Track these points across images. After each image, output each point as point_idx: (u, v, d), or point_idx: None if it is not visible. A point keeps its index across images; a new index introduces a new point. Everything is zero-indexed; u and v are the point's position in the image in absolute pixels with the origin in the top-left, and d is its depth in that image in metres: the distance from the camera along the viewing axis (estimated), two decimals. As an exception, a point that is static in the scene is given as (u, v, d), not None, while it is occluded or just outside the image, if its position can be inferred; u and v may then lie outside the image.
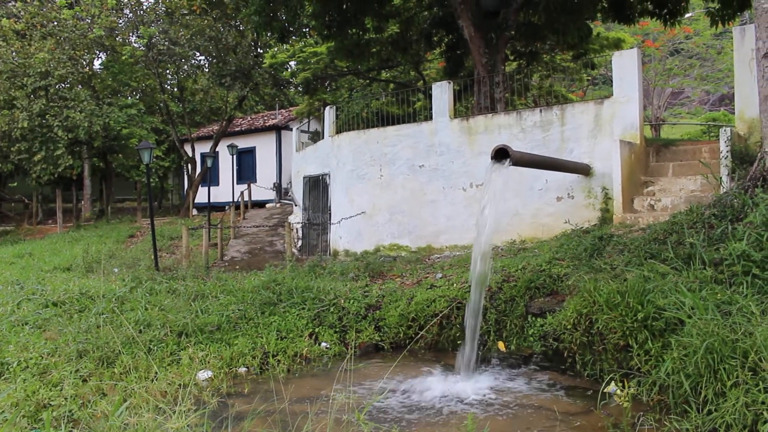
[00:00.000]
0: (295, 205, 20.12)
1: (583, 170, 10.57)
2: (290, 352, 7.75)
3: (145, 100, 30.61)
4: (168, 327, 7.76)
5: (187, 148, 29.19)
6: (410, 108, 19.98)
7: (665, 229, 7.46)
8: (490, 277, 8.16)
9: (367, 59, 20.26)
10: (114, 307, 8.31)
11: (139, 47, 25.55)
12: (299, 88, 28.83)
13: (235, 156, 21.40)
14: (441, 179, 12.86)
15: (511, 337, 7.69)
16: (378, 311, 8.88)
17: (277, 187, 28.74)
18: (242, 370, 7.25)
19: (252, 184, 27.62)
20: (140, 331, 7.63)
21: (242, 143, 28.90)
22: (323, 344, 8.26)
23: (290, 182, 22.60)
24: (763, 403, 4.35)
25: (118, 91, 28.84)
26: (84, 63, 25.80)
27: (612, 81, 10.97)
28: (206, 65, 27.88)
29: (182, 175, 32.94)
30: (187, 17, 24.77)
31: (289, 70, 29.63)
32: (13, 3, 27.77)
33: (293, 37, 18.23)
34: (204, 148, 29.23)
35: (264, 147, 30.05)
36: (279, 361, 7.49)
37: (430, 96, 13.64)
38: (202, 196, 27.48)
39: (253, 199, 27.13)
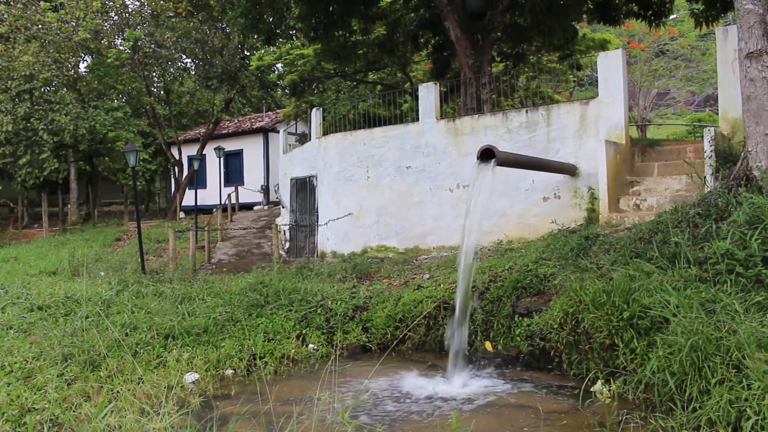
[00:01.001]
0: (283, 207, 20.08)
1: (569, 170, 10.61)
2: (277, 354, 7.74)
3: (131, 103, 30.43)
4: (154, 330, 7.72)
5: (174, 151, 29.05)
6: (397, 110, 20.02)
7: (651, 228, 7.50)
8: (477, 278, 8.18)
9: (353, 61, 20.26)
10: (100, 311, 8.25)
11: (125, 50, 25.39)
12: (286, 91, 28.81)
13: (222, 158, 21.34)
14: (428, 180, 12.87)
15: (498, 337, 7.71)
16: (365, 312, 8.88)
17: (265, 190, 28.67)
18: (229, 372, 7.22)
19: (239, 187, 27.54)
20: (126, 334, 7.59)
21: (229, 146, 28.82)
22: (310, 346, 8.24)
23: (277, 184, 22.54)
24: (746, 399, 4.38)
25: (104, 94, 28.66)
26: (69, 66, 25.60)
27: (597, 82, 11.03)
28: (192, 68, 27.76)
29: (169, 179, 32.80)
30: (173, 20, 24.67)
31: (275, 72, 29.56)
32: (-3, 6, 27.57)
33: (280, 39, 18.23)
34: (191, 150, 29.12)
35: (251, 149, 29.97)
36: (266, 362, 7.47)
37: (417, 97, 13.65)
38: (189, 199, 27.38)
39: (240, 201, 27.04)
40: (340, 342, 8.36)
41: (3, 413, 5.40)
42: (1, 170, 26.21)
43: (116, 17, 25.93)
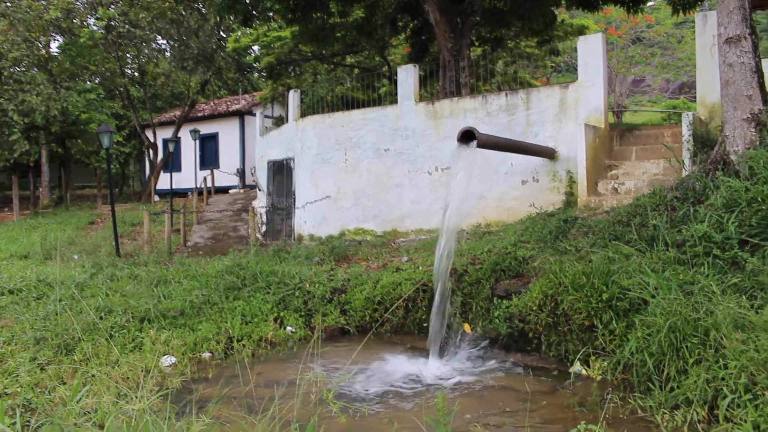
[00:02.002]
0: (259, 190, 19.90)
1: (548, 154, 10.62)
2: (255, 337, 7.66)
3: (105, 85, 29.85)
4: (130, 313, 7.61)
5: (149, 134, 28.62)
6: (375, 93, 19.88)
7: (629, 211, 7.54)
8: (456, 260, 8.16)
9: (331, 44, 20.05)
10: (73, 294, 8.10)
11: (98, 30, 24.86)
12: (263, 73, 28.45)
13: (197, 141, 21.08)
14: (406, 163, 12.82)
15: (476, 320, 7.72)
16: (344, 295, 8.84)
17: (241, 173, 28.41)
18: (206, 355, 7.14)
19: (215, 170, 27.24)
20: (101, 318, 7.46)
21: (205, 129, 28.47)
22: (288, 328, 8.18)
23: (254, 167, 22.34)
24: (723, 379, 4.43)
25: (77, 75, 28.03)
26: (40, 45, 25.03)
27: (576, 68, 11.03)
28: (168, 49, 27.31)
29: (143, 162, 32.37)
30: (148, -1, 24.21)
31: (252, 54, 29.20)
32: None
33: (257, 21, 17.90)
34: (166, 133, 28.73)
35: (227, 132, 29.64)
36: (244, 345, 7.39)
37: (395, 81, 13.55)
38: (164, 182, 27.04)
39: (216, 185, 26.76)
40: (318, 325, 8.30)
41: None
42: (-30, 153, 25.64)
43: (89, -4, 25.41)
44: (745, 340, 4.51)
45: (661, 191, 7.58)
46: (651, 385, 4.97)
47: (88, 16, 25.70)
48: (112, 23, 23.95)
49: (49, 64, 25.89)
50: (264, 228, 17.48)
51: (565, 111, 10.78)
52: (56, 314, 7.29)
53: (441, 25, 14.48)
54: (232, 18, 17.18)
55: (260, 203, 18.61)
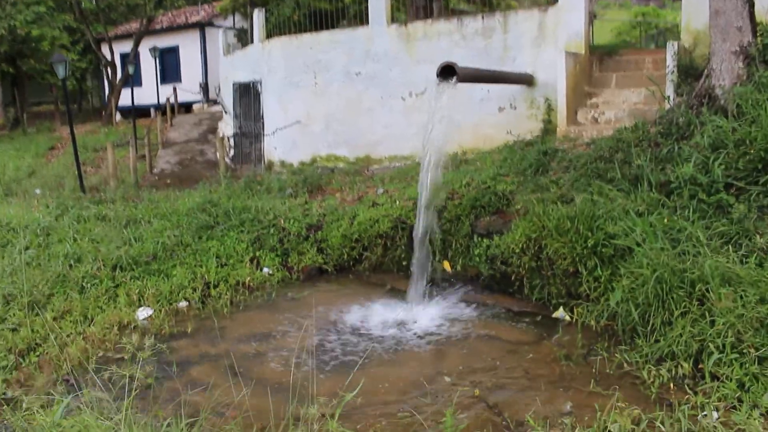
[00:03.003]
0: (225, 113, 19.28)
1: (527, 80, 10.35)
2: (232, 281, 7.47)
3: (54, -4, 28.13)
4: (100, 260, 7.34)
5: (105, 49, 27.29)
6: (340, 2, 18.92)
7: (611, 146, 7.39)
8: (433, 195, 7.98)
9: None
10: (40, 241, 7.79)
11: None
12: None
13: (157, 58, 20.15)
14: (378, 87, 12.41)
15: (456, 257, 7.64)
16: (320, 232, 8.65)
17: (204, 88, 27.50)
18: (183, 304, 6.94)
19: (177, 86, 26.25)
20: (70, 266, 7.21)
21: (164, 42, 27.31)
22: (265, 270, 8.01)
23: (218, 87, 21.54)
24: (709, 335, 4.42)
25: (22, -14, 26.34)
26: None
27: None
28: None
29: (101, 78, 31.05)
30: None
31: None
32: None
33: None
34: (123, 47, 27.49)
35: (188, 46, 28.45)
36: (220, 292, 7.20)
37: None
38: (125, 98, 26.00)
39: (179, 101, 25.84)
40: (295, 265, 8.16)
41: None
42: None
43: None
44: (733, 298, 4.48)
45: (644, 125, 7.43)
46: (635, 335, 4.98)
47: None
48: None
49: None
50: (232, 152, 17.05)
51: (544, 35, 10.40)
52: (25, 265, 7.00)
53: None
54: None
55: (227, 127, 18.08)
